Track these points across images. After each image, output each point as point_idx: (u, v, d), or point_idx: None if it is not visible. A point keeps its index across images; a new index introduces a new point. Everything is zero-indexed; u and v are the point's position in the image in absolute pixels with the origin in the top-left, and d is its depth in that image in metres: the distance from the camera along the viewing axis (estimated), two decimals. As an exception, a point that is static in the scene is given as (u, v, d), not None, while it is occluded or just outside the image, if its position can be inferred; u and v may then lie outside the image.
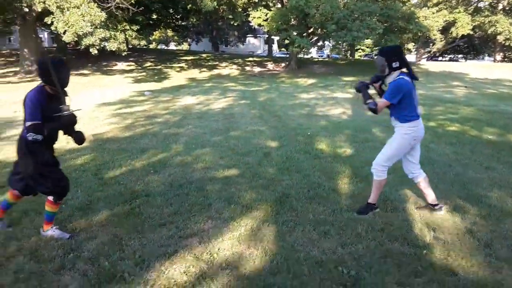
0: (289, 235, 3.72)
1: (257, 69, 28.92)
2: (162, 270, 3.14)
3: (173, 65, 28.68)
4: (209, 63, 30.20)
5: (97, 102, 13.36)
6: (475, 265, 3.24)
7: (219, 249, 3.46)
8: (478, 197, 4.65)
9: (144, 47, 54.71)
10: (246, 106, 12.47)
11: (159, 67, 27.87)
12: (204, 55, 34.75)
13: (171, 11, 31.89)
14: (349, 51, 47.82)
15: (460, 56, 55.58)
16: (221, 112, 11.11)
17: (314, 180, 5.25)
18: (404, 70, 3.99)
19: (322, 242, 3.59)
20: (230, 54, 38.00)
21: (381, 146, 7.04)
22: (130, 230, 3.76)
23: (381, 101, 4.04)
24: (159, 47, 63.77)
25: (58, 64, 3.30)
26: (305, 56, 32.21)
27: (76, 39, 17.79)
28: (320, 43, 37.38)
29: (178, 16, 33.75)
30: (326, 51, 51.47)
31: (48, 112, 3.27)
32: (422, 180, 4.21)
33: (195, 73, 25.81)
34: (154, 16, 32.73)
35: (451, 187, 5.02)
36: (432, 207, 4.24)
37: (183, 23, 36.76)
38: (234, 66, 29.64)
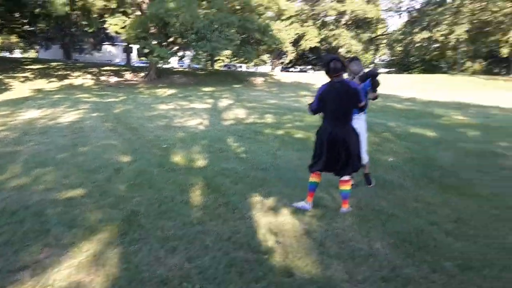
0: (135, 255, 3.61)
1: (114, 79, 27.68)
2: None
3: (17, 74, 25.79)
4: (60, 73, 27.91)
5: None
6: (309, 264, 3.55)
7: (54, 280, 3.19)
8: (316, 199, 5.11)
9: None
10: (99, 118, 11.82)
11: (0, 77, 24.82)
12: (53, 63, 32.00)
13: (16, 15, 28.69)
14: (209, 62, 48.78)
15: (309, 67, 60.82)
16: (70, 126, 10.33)
17: (167, 194, 5.20)
18: None
19: (169, 258, 3.57)
20: (84, 63, 35.71)
21: (234, 156, 7.43)
22: None
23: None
24: (1, 54, 56.83)
25: None
26: (166, 66, 31.82)
27: None
28: (181, 53, 37.51)
29: (25, 21, 30.52)
30: (187, 61, 51.79)
31: None
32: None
33: (42, 83, 23.59)
34: (-4, 21, 29.15)
35: (294, 191, 5.44)
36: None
37: (30, 28, 33.37)
38: (89, 76, 27.89)
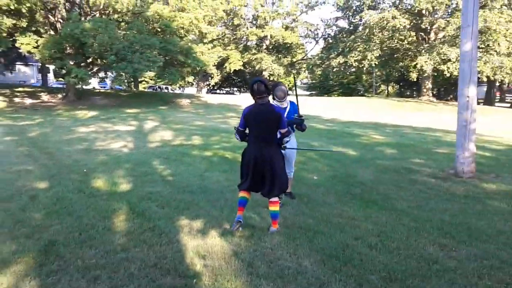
0: (54, 287, 3.35)
1: (28, 101, 26.00)
2: None
3: None
4: (-34, 94, 25.71)
5: None
6: (239, 286, 3.51)
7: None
8: (244, 219, 5.10)
9: None
10: (12, 143, 10.99)
11: None
12: (-42, 84, 29.38)
13: None
14: (132, 83, 47.66)
15: (235, 89, 61.71)
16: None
17: (87, 221, 4.91)
18: None
19: (91, 289, 3.35)
20: (-7, 84, 33.16)
21: (160, 179, 7.24)
22: None
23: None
24: None
25: None
26: (86, 87, 30.52)
27: None
28: (102, 74, 36.22)
29: None
30: (109, 82, 50.12)
31: None
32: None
33: None
34: None
35: (222, 212, 5.40)
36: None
37: None
38: (0, 98, 25.94)
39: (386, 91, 61.68)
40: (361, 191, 6.85)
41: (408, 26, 35.21)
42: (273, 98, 5.60)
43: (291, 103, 5.83)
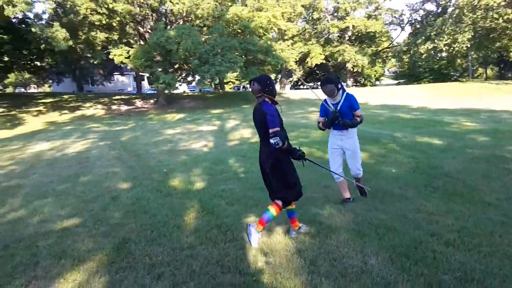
0: (120, 284, 3.53)
1: (124, 108, 28.12)
2: None
3: (30, 109, 26.46)
4: (71, 105, 28.51)
5: None
6: (298, 285, 3.41)
7: (35, 313, 3.13)
8: (310, 216, 4.99)
9: (0, 92, 49.72)
10: (106, 147, 11.92)
11: (13, 112, 25.46)
12: (65, 96, 32.71)
13: (24, 52, 29.64)
14: (218, 84, 49.28)
15: (319, 83, 60.77)
16: (76, 157, 10.43)
17: (160, 219, 5.13)
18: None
19: (154, 286, 3.47)
20: (96, 94, 36.38)
21: (234, 176, 7.34)
22: None
23: (359, 112, 5.29)
24: (17, 90, 58.56)
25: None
26: (176, 92, 32.19)
27: None
28: (190, 78, 38.03)
29: (33, 57, 31.48)
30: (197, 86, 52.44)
31: None
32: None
33: (54, 116, 24.13)
34: (6, 59, 30.09)
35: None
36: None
37: (39, 64, 34.34)
38: (100, 106, 28.43)
39: (484, 74, 56.57)
40: (445, 183, 6.31)
41: (503, 3, 31.87)
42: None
43: (348, 96, 5.27)
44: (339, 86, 5.19)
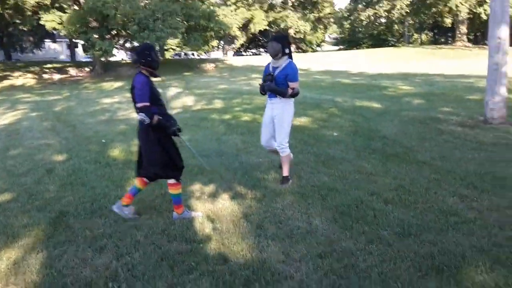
0: (59, 259, 3.36)
1: (57, 76, 26.50)
2: None
3: None
4: (-2, 74, 26.42)
5: None
6: (245, 249, 3.42)
7: (-34, 295, 2.91)
8: (256, 181, 5.01)
9: None
10: (38, 118, 11.21)
11: None
12: (-9, 65, 30.20)
13: None
14: (158, 51, 47.66)
15: (262, 50, 60.51)
16: (5, 129, 9.72)
17: (100, 191, 4.93)
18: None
19: (97, 259, 3.34)
20: (26, 62, 33.89)
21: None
22: None
23: (295, 84, 4.70)
24: None
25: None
26: (113, 59, 30.70)
27: None
28: (128, 45, 36.35)
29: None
30: (136, 53, 50.21)
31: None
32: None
33: (-21, 86, 22.26)
34: None
35: (234, 175, 5.30)
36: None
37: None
38: (30, 75, 26.57)
39: (419, 40, 58.96)
40: (383, 145, 6.57)
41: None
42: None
43: (289, 65, 4.68)
44: (286, 50, 4.64)
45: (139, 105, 3.75)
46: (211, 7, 27.58)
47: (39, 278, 3.11)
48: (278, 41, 4.67)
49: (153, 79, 3.96)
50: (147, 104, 3.74)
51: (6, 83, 24.12)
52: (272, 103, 4.87)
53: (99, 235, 3.75)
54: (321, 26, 53.85)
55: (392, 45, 48.52)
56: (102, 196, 4.75)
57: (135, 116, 10.69)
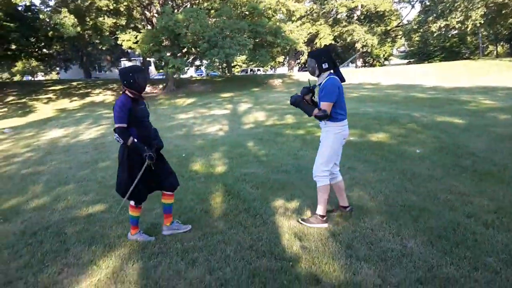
0: (155, 270, 3.45)
1: (133, 93, 27.96)
2: None
3: (40, 96, 26.48)
4: (81, 91, 28.46)
5: None
6: (337, 269, 3.32)
7: (72, 302, 3.07)
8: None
9: (7, 80, 49.86)
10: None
11: (23, 100, 25.51)
12: (74, 83, 32.59)
13: (31, 39, 29.49)
14: (226, 68, 48.88)
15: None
16: (92, 143, 10.38)
17: (186, 204, 5.05)
18: (332, 71, 4.13)
19: (189, 272, 3.40)
20: (104, 80, 36.27)
21: (254, 159, 7.24)
22: (-39, 299, 3.17)
23: (325, 105, 3.99)
24: (24, 78, 58.65)
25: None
26: (184, 76, 31.97)
27: None
28: (198, 62, 37.66)
29: (41, 45, 31.35)
30: (205, 70, 52.08)
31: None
32: (340, 182, 4.41)
33: (65, 103, 24.13)
34: (13, 47, 29.98)
35: (316, 192, 5.19)
36: (343, 209, 4.42)
37: (47, 51, 34.22)
38: (109, 92, 28.37)
39: (495, 51, 55.49)
40: (473, 163, 6.16)
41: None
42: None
43: (327, 81, 4.03)
44: (324, 66, 4.02)
45: (115, 125, 3.81)
46: (277, 23, 27.86)
47: (138, 288, 3.21)
48: (313, 57, 4.10)
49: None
50: (123, 125, 3.77)
51: (87, 99, 25.89)
52: (321, 127, 4.29)
53: (190, 247, 3.82)
54: (389, 39, 52.49)
55: (467, 58, 46.09)
56: (188, 209, 4.86)
57: (211, 131, 10.97)
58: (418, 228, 3.95)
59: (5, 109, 22.85)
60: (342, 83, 4.17)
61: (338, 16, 47.38)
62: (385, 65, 51.94)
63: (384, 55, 54.10)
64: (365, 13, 46.29)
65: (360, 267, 3.33)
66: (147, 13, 27.82)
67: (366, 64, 50.16)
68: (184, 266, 3.49)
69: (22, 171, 7.71)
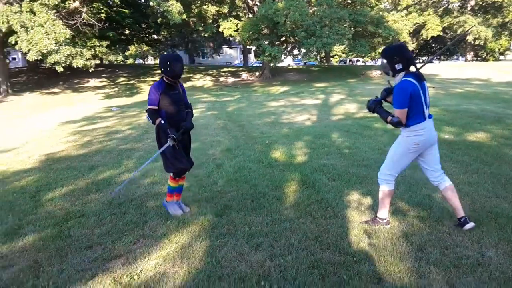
0: (219, 250, 3.59)
1: (231, 80, 28.94)
2: (76, 296, 2.98)
3: (147, 79, 28.52)
4: (183, 76, 29.96)
5: (62, 120, 13.12)
6: (403, 271, 3.16)
7: (141, 270, 3.31)
8: (421, 198, 4.61)
9: (122, 62, 54.55)
10: (212, 117, 12.38)
11: (132, 82, 27.69)
12: (178, 67, 34.54)
13: (143, 25, 31.86)
14: (324, 58, 48.21)
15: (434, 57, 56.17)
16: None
17: (261, 189, 5.14)
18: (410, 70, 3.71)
19: (252, 255, 3.47)
20: (205, 66, 37.97)
21: (336, 151, 7.11)
22: (52, 255, 3.59)
23: (397, 111, 3.66)
24: (136, 62, 63.68)
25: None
26: (280, 65, 32.27)
27: (40, 57, 17.52)
28: (296, 51, 37.72)
29: (151, 30, 33.75)
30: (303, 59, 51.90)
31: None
32: (446, 189, 3.87)
33: (168, 86, 25.65)
34: (127, 32, 32.66)
35: (396, 189, 4.94)
36: (458, 221, 3.84)
37: (156, 37, 36.72)
38: (208, 78, 29.62)
39: None
40: None
41: None
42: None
43: (398, 84, 3.66)
44: (397, 66, 3.63)
45: (148, 107, 4.24)
46: (380, 13, 26.69)
47: (201, 265, 3.36)
48: (385, 57, 3.73)
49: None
50: (153, 107, 4.19)
51: (189, 83, 27.29)
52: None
53: (257, 232, 3.89)
54: (506, 32, 47.47)
55: None
56: (262, 195, 4.94)
57: (298, 120, 10.98)
58: (502, 237, 3.59)
59: (116, 89, 25.02)
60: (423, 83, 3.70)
61: (449, 6, 44.01)
62: (500, 60, 47.25)
63: (499, 49, 49.20)
64: (480, 3, 42.36)
65: (429, 271, 3.13)
66: (249, 1, 28.42)
67: (478, 58, 46.03)
68: (248, 249, 3.57)
69: (120, 146, 8.42)
